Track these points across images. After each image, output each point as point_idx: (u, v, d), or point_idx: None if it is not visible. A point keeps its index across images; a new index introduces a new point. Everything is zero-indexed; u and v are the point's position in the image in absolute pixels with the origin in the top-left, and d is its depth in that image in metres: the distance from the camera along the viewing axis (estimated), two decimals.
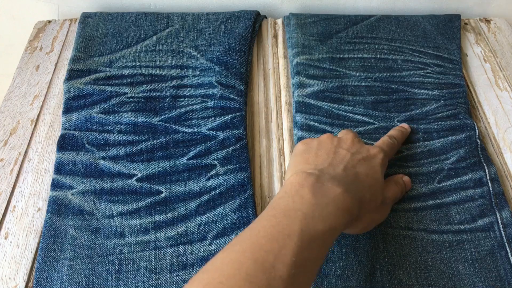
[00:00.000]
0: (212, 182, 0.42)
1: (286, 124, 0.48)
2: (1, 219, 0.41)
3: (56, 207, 0.40)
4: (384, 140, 0.42)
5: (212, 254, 0.38)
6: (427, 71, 0.52)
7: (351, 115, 0.48)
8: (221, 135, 0.45)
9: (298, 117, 0.47)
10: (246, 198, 0.41)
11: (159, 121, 0.47)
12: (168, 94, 0.49)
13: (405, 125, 0.46)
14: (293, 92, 0.50)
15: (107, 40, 0.54)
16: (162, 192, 0.42)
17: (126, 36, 0.54)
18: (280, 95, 0.51)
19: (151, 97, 0.49)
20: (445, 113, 0.48)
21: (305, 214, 0.29)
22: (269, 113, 0.50)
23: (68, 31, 0.58)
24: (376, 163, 0.37)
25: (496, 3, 0.62)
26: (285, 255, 0.27)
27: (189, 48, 0.53)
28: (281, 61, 0.54)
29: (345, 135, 0.39)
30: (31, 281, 0.37)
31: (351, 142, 0.38)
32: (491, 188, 0.42)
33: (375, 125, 0.47)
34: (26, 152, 0.45)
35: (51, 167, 0.44)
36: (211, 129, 0.46)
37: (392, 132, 0.44)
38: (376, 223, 0.37)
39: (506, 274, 0.37)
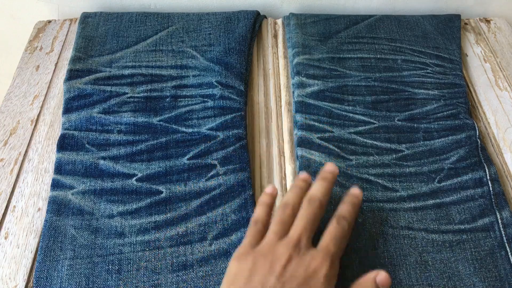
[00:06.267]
0: (212, 182, 0.42)
1: (286, 124, 0.48)
2: (1, 219, 0.41)
3: (56, 207, 0.40)
4: (330, 231, 0.34)
5: (212, 255, 0.38)
6: (427, 71, 0.52)
7: (351, 114, 0.48)
8: (221, 135, 0.45)
9: (298, 117, 0.47)
10: (246, 199, 0.41)
11: (159, 121, 0.47)
12: (168, 94, 0.49)
13: (356, 191, 0.37)
14: (293, 92, 0.50)
15: (107, 40, 0.54)
16: (162, 192, 0.42)
17: (126, 36, 0.54)
18: (280, 95, 0.51)
19: (151, 97, 0.49)
20: (445, 113, 0.48)
21: None
22: (269, 113, 0.50)
23: (68, 31, 0.58)
24: (318, 282, 0.31)
25: (496, 3, 0.62)
26: None
27: (189, 48, 0.53)
28: (281, 61, 0.54)
29: (282, 250, 0.32)
30: (31, 281, 0.37)
31: (286, 261, 0.32)
32: (491, 188, 0.42)
33: (375, 125, 0.47)
34: (26, 152, 0.45)
35: (51, 167, 0.44)
36: (211, 129, 0.46)
37: (341, 209, 0.36)
38: None
39: (506, 274, 0.37)
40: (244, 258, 0.33)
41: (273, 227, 0.34)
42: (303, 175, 0.38)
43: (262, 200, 0.37)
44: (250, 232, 0.35)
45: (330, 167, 0.38)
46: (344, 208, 0.36)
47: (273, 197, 0.37)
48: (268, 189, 0.38)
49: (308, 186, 0.38)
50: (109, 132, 0.46)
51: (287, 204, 0.35)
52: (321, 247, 0.33)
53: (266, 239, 0.34)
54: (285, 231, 0.34)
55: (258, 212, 0.36)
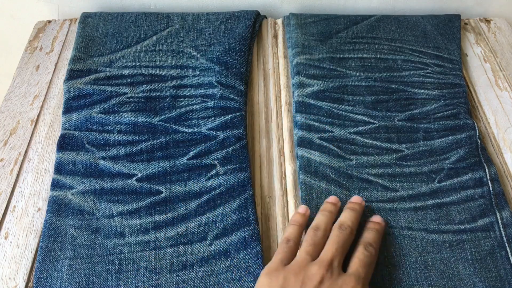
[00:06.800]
0: (212, 182, 0.42)
1: (286, 124, 0.48)
2: (1, 219, 0.41)
3: (56, 207, 0.40)
4: (359, 257, 0.35)
5: (212, 255, 0.38)
6: (427, 71, 0.52)
7: (351, 114, 0.48)
8: (221, 135, 0.45)
9: (298, 117, 0.47)
10: (246, 198, 0.41)
11: (159, 121, 0.47)
12: (168, 94, 0.49)
13: (378, 218, 0.39)
14: (293, 92, 0.50)
15: (107, 40, 0.54)
16: (162, 192, 0.42)
17: (126, 36, 0.54)
18: (280, 95, 0.51)
19: (151, 97, 0.49)
20: (445, 113, 0.48)
21: None
22: (269, 113, 0.50)
23: (68, 31, 0.58)
24: None
25: (496, 3, 0.62)
26: None
27: (189, 48, 0.53)
28: (281, 61, 0.54)
29: (315, 271, 0.33)
30: (31, 281, 0.37)
31: (318, 282, 0.32)
32: (491, 188, 0.42)
33: (375, 125, 0.47)
34: (26, 152, 0.45)
35: (51, 167, 0.44)
36: (211, 129, 0.46)
37: (366, 236, 0.37)
38: None
39: (506, 274, 0.37)
40: (275, 274, 0.33)
41: (305, 247, 0.35)
42: (332, 198, 0.40)
43: (294, 219, 0.38)
44: (282, 249, 0.35)
45: (357, 199, 0.40)
46: (369, 235, 0.37)
47: (306, 217, 0.38)
48: (301, 210, 0.39)
49: (337, 210, 0.39)
50: (109, 132, 0.46)
51: (319, 227, 0.36)
52: (351, 271, 0.34)
53: (297, 258, 0.34)
54: (316, 252, 0.35)
55: (290, 231, 0.37)
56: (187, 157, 0.44)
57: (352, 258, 0.35)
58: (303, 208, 0.39)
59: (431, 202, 0.41)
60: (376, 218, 0.39)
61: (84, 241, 0.38)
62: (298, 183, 0.43)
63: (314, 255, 0.34)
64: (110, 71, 0.50)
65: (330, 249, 0.34)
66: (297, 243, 0.36)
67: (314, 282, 0.32)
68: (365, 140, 0.46)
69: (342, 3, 0.61)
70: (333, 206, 0.39)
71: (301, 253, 0.34)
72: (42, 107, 0.49)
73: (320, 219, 0.37)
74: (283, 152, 0.46)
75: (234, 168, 0.43)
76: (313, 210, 0.40)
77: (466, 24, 0.61)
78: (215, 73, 0.50)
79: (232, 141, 0.45)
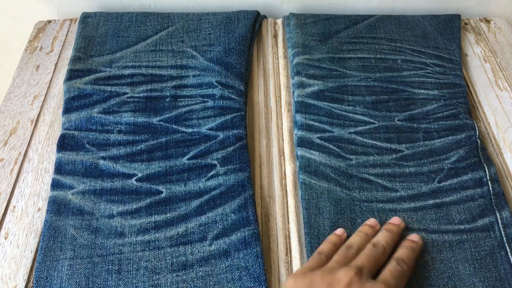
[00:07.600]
0: (212, 182, 0.42)
1: (286, 124, 0.48)
2: (1, 219, 0.41)
3: (56, 207, 0.40)
4: (390, 269, 0.34)
5: (212, 255, 0.38)
6: (427, 71, 0.52)
7: (351, 114, 0.48)
8: (221, 135, 0.45)
9: (298, 117, 0.47)
10: (246, 198, 0.41)
11: (159, 121, 0.47)
12: (168, 94, 0.49)
13: (415, 237, 0.38)
14: (293, 92, 0.50)
15: (107, 40, 0.54)
16: (162, 192, 0.42)
17: (126, 36, 0.54)
18: (280, 95, 0.51)
19: (151, 97, 0.49)
20: (445, 113, 0.48)
21: None
22: (269, 113, 0.50)
23: (68, 31, 0.58)
24: None
25: (496, 3, 0.62)
26: None
27: (189, 48, 0.53)
28: (281, 61, 0.54)
29: (343, 274, 0.32)
30: (31, 281, 0.37)
31: (346, 285, 0.31)
32: (491, 188, 0.42)
33: (375, 125, 0.47)
34: (26, 152, 0.46)
35: (51, 167, 0.44)
36: (211, 129, 0.46)
37: (400, 253, 0.36)
38: None
39: (506, 274, 0.37)
40: (301, 277, 0.33)
41: (336, 258, 0.35)
42: (372, 221, 0.39)
43: (330, 239, 0.38)
44: (313, 259, 0.35)
45: (396, 220, 0.39)
46: (403, 252, 0.36)
47: (342, 239, 0.38)
48: (338, 231, 0.39)
49: (374, 233, 0.38)
50: (109, 132, 0.46)
51: (352, 246, 0.36)
52: (381, 280, 0.33)
53: (327, 265, 0.34)
54: (346, 264, 0.34)
55: (324, 246, 0.37)
56: (187, 157, 0.44)
57: (383, 270, 0.34)
58: (340, 230, 0.39)
59: (431, 202, 0.41)
60: (414, 237, 0.38)
61: (84, 241, 0.38)
62: (298, 183, 0.43)
63: (344, 265, 0.34)
64: (110, 71, 0.50)
65: (361, 258, 0.34)
66: (329, 257, 0.35)
67: (341, 285, 0.31)
68: (365, 140, 0.46)
69: (342, 3, 0.61)
70: (371, 229, 0.38)
71: (331, 262, 0.34)
72: (42, 107, 0.49)
73: (354, 239, 0.37)
74: (283, 152, 0.46)
75: (234, 168, 0.43)
76: (313, 209, 0.40)
77: (466, 24, 0.61)
78: (215, 73, 0.50)
79: (232, 141, 0.45)
